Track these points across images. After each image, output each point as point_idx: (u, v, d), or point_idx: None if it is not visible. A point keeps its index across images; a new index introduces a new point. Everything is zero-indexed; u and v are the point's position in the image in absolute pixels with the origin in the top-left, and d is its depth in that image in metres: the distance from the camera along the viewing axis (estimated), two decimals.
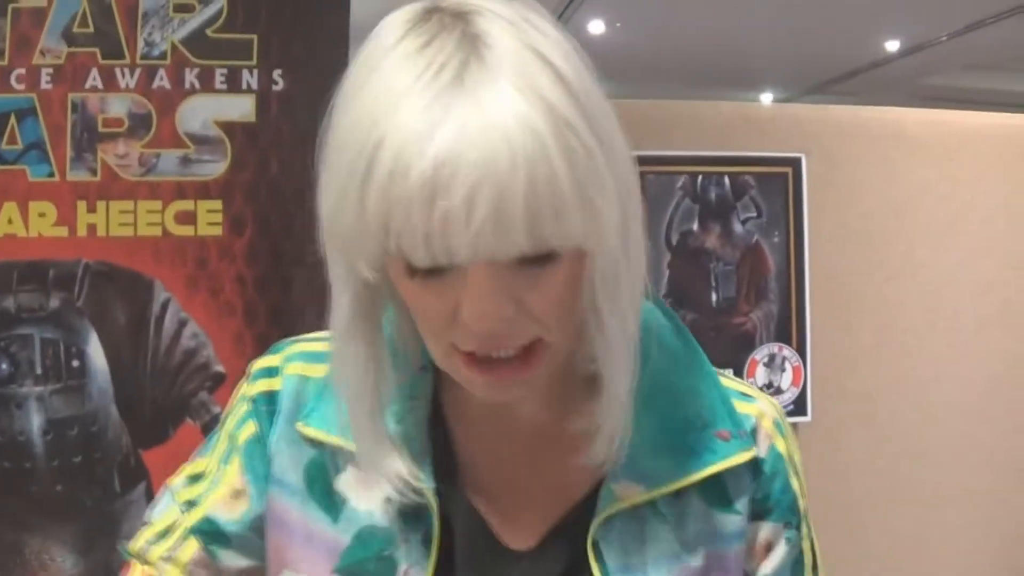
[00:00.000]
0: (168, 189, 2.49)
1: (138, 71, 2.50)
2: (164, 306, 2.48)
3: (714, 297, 2.67)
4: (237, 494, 1.15)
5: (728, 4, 7.63)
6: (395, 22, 0.95)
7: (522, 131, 0.86)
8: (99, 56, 2.49)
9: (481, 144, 0.85)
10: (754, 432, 1.13)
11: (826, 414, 2.68)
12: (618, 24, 8.78)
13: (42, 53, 2.48)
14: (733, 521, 1.10)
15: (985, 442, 2.78)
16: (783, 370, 2.65)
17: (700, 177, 2.65)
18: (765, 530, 1.13)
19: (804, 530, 1.17)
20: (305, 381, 1.14)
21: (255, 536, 1.15)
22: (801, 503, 1.16)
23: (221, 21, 2.52)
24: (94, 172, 2.49)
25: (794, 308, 2.68)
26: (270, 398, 1.15)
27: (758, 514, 1.12)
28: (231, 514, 1.15)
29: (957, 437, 2.77)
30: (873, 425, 2.71)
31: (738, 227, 2.67)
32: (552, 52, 0.92)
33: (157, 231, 2.49)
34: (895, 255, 2.75)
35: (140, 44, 2.51)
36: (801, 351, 2.66)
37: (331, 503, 1.10)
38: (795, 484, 1.15)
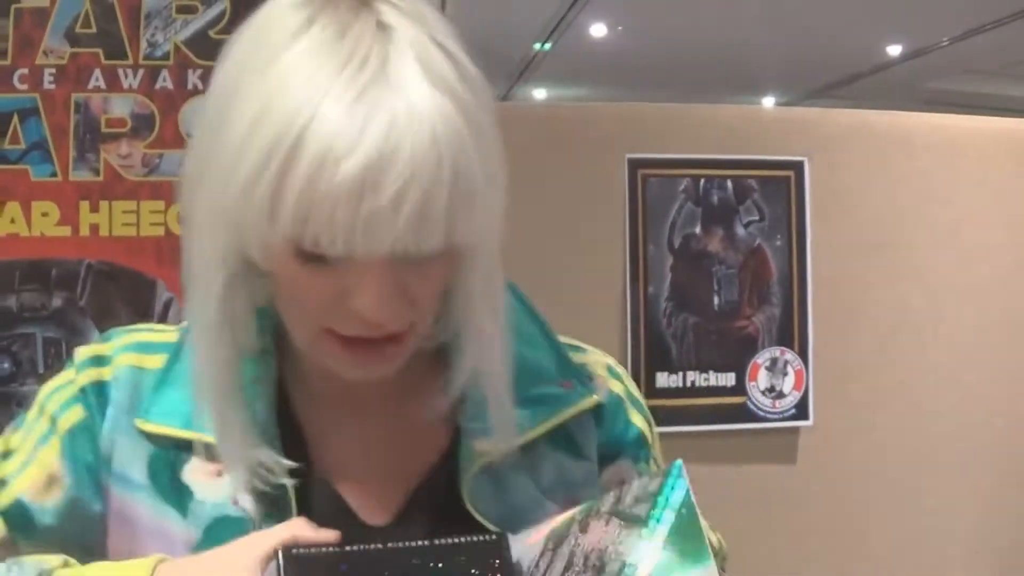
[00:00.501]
0: (171, 189, 2.49)
1: (141, 72, 2.51)
2: (167, 306, 2.48)
3: (716, 300, 2.66)
4: (51, 480, 1.10)
5: (729, 8, 7.64)
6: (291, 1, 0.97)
7: (446, 128, 0.90)
8: (102, 56, 2.50)
9: (410, 143, 0.88)
10: (590, 379, 1.20)
11: (828, 418, 2.67)
12: (620, 28, 8.79)
13: (45, 53, 2.48)
14: (583, 467, 1.16)
15: (987, 448, 2.78)
16: (785, 374, 2.65)
17: (703, 180, 2.65)
18: (618, 470, 1.20)
19: (654, 455, 1.24)
20: (141, 372, 1.12)
21: (67, 527, 1.11)
22: (647, 434, 1.23)
23: (224, 22, 2.52)
24: (97, 172, 2.49)
25: (796, 312, 2.67)
26: (100, 388, 1.12)
27: (608, 457, 1.19)
28: (43, 501, 1.10)
29: (959, 442, 2.76)
30: (875, 430, 2.71)
31: (741, 231, 2.67)
32: (450, 44, 0.96)
33: (160, 231, 2.49)
34: (897, 259, 2.75)
35: (143, 45, 2.51)
36: (803, 355, 2.66)
37: (178, 497, 1.08)
38: (637, 419, 1.22)
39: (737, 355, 2.66)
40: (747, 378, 2.66)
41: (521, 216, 2.44)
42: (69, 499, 1.11)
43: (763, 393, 2.64)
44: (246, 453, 1.05)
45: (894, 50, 9.16)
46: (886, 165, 2.77)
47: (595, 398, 1.18)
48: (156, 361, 1.13)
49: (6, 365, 2.42)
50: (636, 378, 2.56)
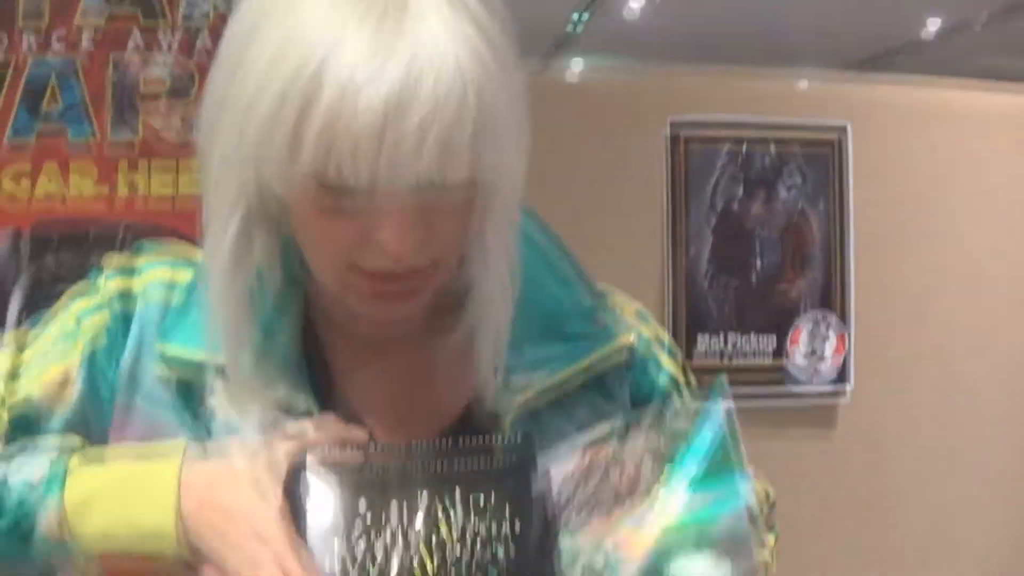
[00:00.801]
0: None
1: (179, 33, 2.49)
2: None
3: (758, 264, 2.65)
4: (65, 383, 1.08)
5: None
6: None
7: (469, 56, 0.89)
8: (140, 18, 2.48)
9: (434, 71, 0.87)
10: (622, 320, 1.18)
11: (868, 382, 2.66)
12: (657, 1, 8.72)
13: (83, 15, 2.47)
14: (616, 409, 1.13)
15: None
16: (827, 338, 2.63)
17: (744, 145, 2.63)
18: (653, 410, 1.17)
19: (686, 391, 1.22)
20: (172, 288, 1.10)
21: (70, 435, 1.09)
22: (680, 377, 1.20)
23: None
24: (135, 133, 2.48)
25: (838, 276, 2.65)
26: (127, 300, 1.09)
27: (640, 402, 1.16)
28: (53, 404, 1.08)
29: (998, 408, 2.74)
30: (914, 393, 2.69)
31: (783, 194, 2.66)
32: None
33: (199, 190, 2.48)
34: (937, 226, 2.72)
35: (182, 6, 2.50)
36: (844, 319, 2.64)
37: (204, 417, 1.06)
38: (668, 363, 1.20)
39: (779, 319, 2.65)
40: (788, 342, 2.64)
41: (562, 182, 2.44)
42: (79, 407, 1.09)
43: (804, 357, 2.63)
44: (264, 390, 1.04)
45: (933, 24, 9.06)
46: (925, 135, 2.75)
47: (630, 336, 1.16)
48: (186, 276, 1.11)
49: None
50: (676, 340, 2.54)
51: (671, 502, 0.97)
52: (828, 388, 2.63)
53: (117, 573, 1.05)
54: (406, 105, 0.86)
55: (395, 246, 0.94)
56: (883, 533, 2.66)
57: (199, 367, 1.07)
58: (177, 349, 1.07)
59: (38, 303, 1.14)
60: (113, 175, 2.47)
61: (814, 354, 2.62)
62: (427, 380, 1.12)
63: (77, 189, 2.47)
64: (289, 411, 1.04)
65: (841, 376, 2.64)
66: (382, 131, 0.86)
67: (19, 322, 1.16)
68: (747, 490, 0.94)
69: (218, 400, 1.07)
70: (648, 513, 0.97)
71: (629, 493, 1.00)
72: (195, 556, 1.00)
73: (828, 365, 2.63)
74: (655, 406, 1.04)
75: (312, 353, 1.09)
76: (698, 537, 0.94)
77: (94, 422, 1.09)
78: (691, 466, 0.97)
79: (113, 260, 1.12)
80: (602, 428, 1.06)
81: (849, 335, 2.63)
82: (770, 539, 1.17)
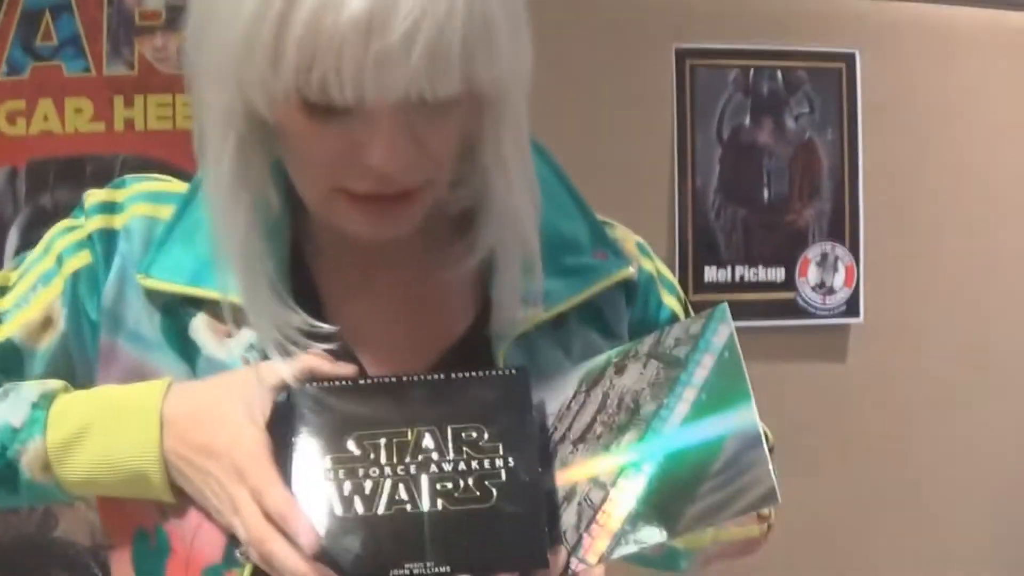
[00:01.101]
0: None
1: None
2: None
3: (766, 193, 2.61)
4: (47, 323, 1.06)
5: None
6: None
7: None
8: None
9: None
10: (622, 253, 1.15)
11: (878, 316, 2.62)
12: None
13: None
14: (613, 346, 1.09)
15: None
16: (835, 270, 2.60)
17: (752, 71, 2.59)
18: (651, 339, 1.14)
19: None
20: (154, 223, 1.07)
21: (53, 376, 1.06)
22: (681, 314, 1.18)
23: None
24: (131, 66, 2.45)
25: (847, 207, 2.61)
26: (108, 237, 1.06)
27: (640, 335, 1.12)
28: (35, 345, 1.06)
29: (1010, 341, 2.71)
30: (925, 328, 2.66)
31: (791, 123, 2.61)
32: None
33: None
34: (951, 155, 2.68)
35: None
36: (854, 251, 2.61)
37: (188, 354, 1.04)
38: (669, 300, 1.18)
39: (787, 249, 2.61)
40: (797, 273, 2.60)
41: (566, 108, 2.40)
42: (61, 346, 1.07)
43: (813, 289, 2.59)
44: (275, 315, 1.01)
45: None
46: (939, 59, 2.70)
47: (630, 270, 1.13)
48: (167, 212, 1.08)
49: None
50: (684, 272, 2.55)
51: (672, 431, 0.94)
52: (838, 321, 2.59)
53: (111, 501, 1.04)
54: (390, 11, 0.82)
55: (383, 167, 0.91)
56: (893, 465, 2.64)
57: (183, 301, 1.04)
58: (159, 283, 1.04)
59: (35, 241, 1.12)
60: (109, 110, 2.44)
61: (823, 286, 2.59)
62: (421, 310, 1.10)
63: (73, 125, 2.44)
64: (276, 344, 1.01)
65: (851, 308, 2.60)
66: (366, 40, 0.83)
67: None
68: (755, 414, 0.90)
69: (202, 335, 1.04)
70: (648, 444, 0.95)
71: (628, 425, 0.97)
72: (179, 498, 0.99)
73: (837, 297, 2.59)
74: (654, 335, 1.00)
75: (301, 284, 1.06)
76: (704, 465, 0.91)
77: (78, 363, 1.07)
78: (693, 393, 0.94)
79: (94, 196, 1.09)
80: (599, 359, 1.03)
81: (859, 266, 2.59)
82: None
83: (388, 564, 0.91)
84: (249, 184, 0.98)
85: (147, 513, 1.03)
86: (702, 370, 0.94)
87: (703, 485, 0.90)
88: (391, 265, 1.09)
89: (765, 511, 1.21)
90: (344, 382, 0.99)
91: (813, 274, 2.61)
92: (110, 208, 1.08)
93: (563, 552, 0.94)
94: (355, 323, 1.07)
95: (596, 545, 0.93)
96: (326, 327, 1.02)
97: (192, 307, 1.05)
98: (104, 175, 2.40)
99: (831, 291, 2.60)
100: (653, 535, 0.91)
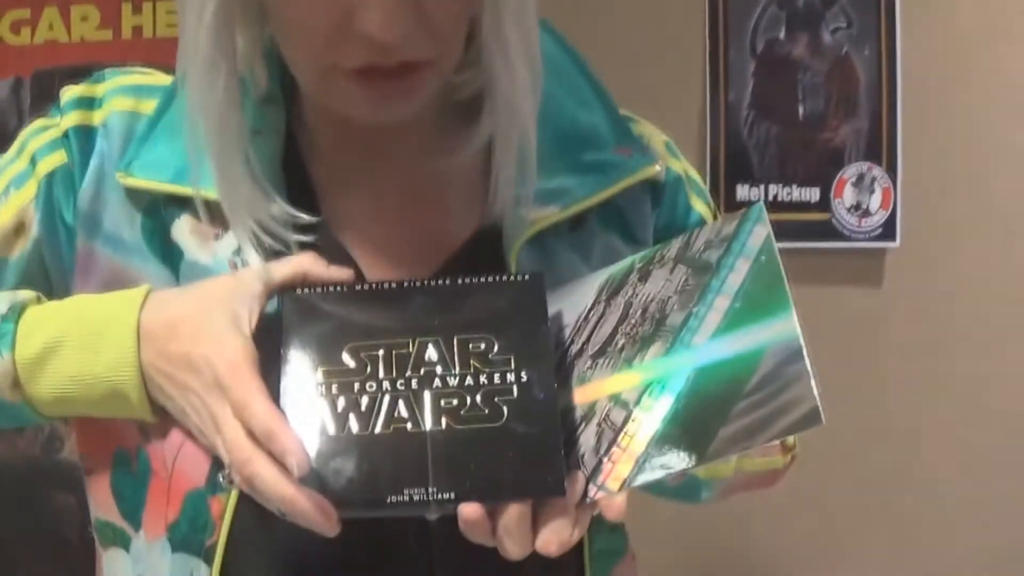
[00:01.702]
0: None
1: None
2: None
3: (801, 110, 2.52)
4: (19, 229, 0.99)
5: None
6: None
7: None
8: None
9: None
10: (648, 150, 1.08)
11: (915, 240, 2.53)
12: None
13: None
14: (637, 252, 1.01)
15: None
16: (872, 191, 2.50)
17: None
18: (679, 242, 1.07)
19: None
20: (135, 118, 1.00)
21: (25, 286, 0.99)
22: (709, 220, 1.11)
23: None
24: None
25: (885, 126, 2.51)
26: (85, 134, 0.99)
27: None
28: (6, 253, 0.99)
29: None
30: (964, 253, 2.56)
31: (827, 37, 2.51)
32: None
33: None
34: (993, 72, 2.57)
35: None
36: (892, 172, 2.51)
37: (171, 258, 0.97)
38: (698, 204, 1.11)
39: (822, 168, 2.52)
40: (832, 194, 2.52)
41: (595, 19, 2.33)
42: (35, 254, 1.00)
43: (848, 211, 2.51)
44: (253, 205, 0.93)
45: None
46: None
47: (656, 168, 1.05)
48: (150, 106, 1.00)
49: None
50: (715, 189, 2.49)
51: (703, 344, 0.84)
52: (874, 245, 2.51)
53: (89, 421, 0.96)
54: None
55: (380, 33, 0.83)
56: (927, 394, 2.56)
57: (166, 201, 0.97)
58: (141, 181, 0.97)
59: None
60: (117, 17, 2.39)
61: (859, 208, 2.50)
62: (425, 209, 1.02)
63: (79, 33, 2.39)
64: (265, 245, 0.93)
65: (888, 232, 2.51)
66: None
67: None
68: (797, 324, 0.80)
69: (186, 238, 0.97)
70: (676, 358, 0.85)
71: (653, 336, 0.87)
72: (159, 416, 0.91)
73: (873, 220, 2.50)
74: (682, 238, 0.92)
75: (294, 178, 0.99)
76: (738, 382, 0.81)
77: (53, 272, 1.00)
78: (726, 301, 0.85)
79: (71, 91, 1.02)
80: (621, 265, 0.94)
81: (896, 188, 2.50)
82: None
83: (386, 489, 0.82)
84: (229, 56, 0.90)
85: (127, 434, 0.96)
86: (736, 276, 0.85)
87: (737, 404, 0.81)
88: (393, 158, 1.01)
89: (790, 440, 1.13)
90: (339, 288, 0.90)
91: (849, 195, 2.51)
92: (88, 103, 1.00)
93: (581, 478, 0.85)
94: (353, 219, 1.00)
95: (617, 470, 0.84)
96: (307, 217, 0.94)
97: (176, 207, 0.97)
98: None
99: (867, 213, 2.51)
100: (681, 460, 0.82)
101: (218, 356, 0.85)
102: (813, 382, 0.78)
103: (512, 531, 0.82)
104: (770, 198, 2.50)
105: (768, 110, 2.51)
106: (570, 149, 1.02)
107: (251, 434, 0.82)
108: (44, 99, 2.34)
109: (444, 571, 0.95)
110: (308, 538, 0.82)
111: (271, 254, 0.93)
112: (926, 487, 2.55)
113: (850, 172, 2.53)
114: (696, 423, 0.82)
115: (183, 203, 0.97)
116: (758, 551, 2.63)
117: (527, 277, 0.92)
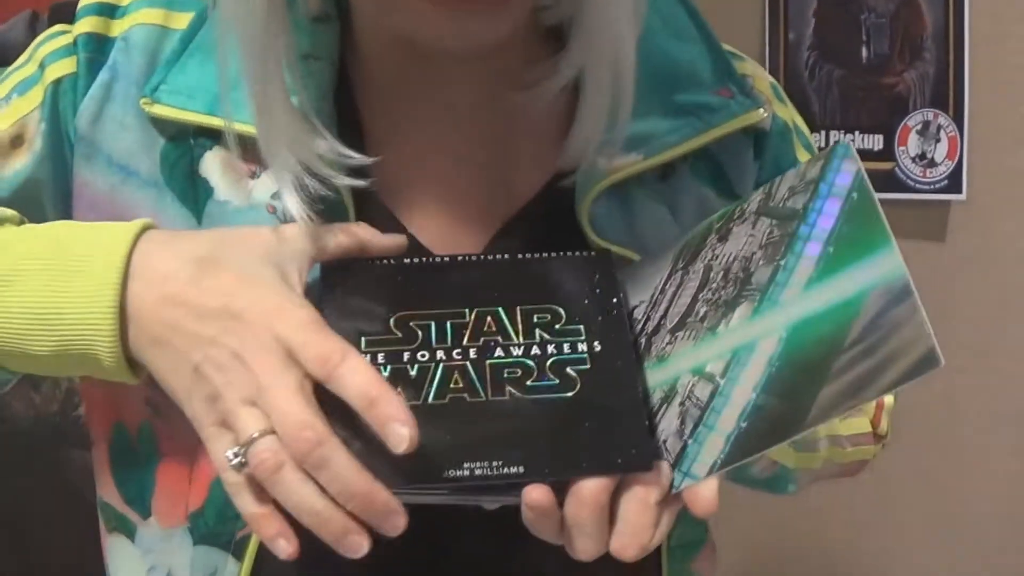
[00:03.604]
0: None
1: None
2: None
3: (864, 53, 2.41)
4: (17, 141, 0.87)
5: None
6: None
7: None
8: None
9: None
10: (753, 92, 0.95)
11: (982, 192, 2.42)
12: None
13: None
14: None
15: None
16: (938, 140, 2.39)
17: None
18: (760, 192, 0.95)
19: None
20: (165, 35, 0.87)
21: (18, 206, 0.87)
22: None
23: None
24: None
25: (952, 72, 2.40)
26: (98, 44, 0.87)
27: None
28: (1, 167, 0.87)
29: None
30: None
31: None
32: None
33: None
34: None
35: None
36: (958, 120, 2.39)
37: (194, 196, 0.85)
38: (804, 158, 1.00)
39: (886, 114, 2.42)
40: (896, 142, 2.41)
41: None
42: (33, 172, 0.87)
43: (913, 160, 2.39)
44: (296, 141, 0.80)
45: None
46: None
47: (761, 112, 0.93)
48: (183, 20, 0.88)
49: None
50: None
51: (795, 297, 0.75)
52: (938, 197, 2.39)
53: (92, 384, 0.85)
54: None
55: None
56: (991, 346, 2.45)
57: (195, 129, 0.85)
58: (169, 110, 0.84)
59: None
60: None
61: (924, 158, 2.39)
62: (491, 157, 0.89)
63: None
64: (310, 189, 0.80)
65: (954, 183, 2.40)
66: None
67: None
68: (901, 259, 0.71)
69: (216, 174, 0.85)
70: (765, 317, 0.75)
71: (737, 298, 0.78)
72: (140, 378, 0.77)
73: (939, 171, 2.38)
74: (762, 189, 0.81)
75: (343, 116, 0.86)
76: (839, 333, 0.71)
77: (52, 196, 0.88)
78: (817, 247, 0.75)
79: None
80: (697, 229, 0.84)
81: (962, 138, 2.38)
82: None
83: (442, 463, 0.71)
84: None
85: (132, 406, 0.84)
86: (826, 219, 0.76)
87: (840, 358, 0.71)
88: (461, 96, 0.88)
89: (883, 426, 1.01)
90: (388, 260, 0.81)
91: (913, 144, 2.40)
92: (109, 11, 0.88)
93: (665, 466, 0.74)
94: (407, 167, 0.88)
95: (704, 454, 0.74)
96: (360, 157, 0.82)
97: (207, 138, 0.85)
98: None
99: (932, 163, 2.39)
100: (778, 432, 0.71)
101: (278, 310, 0.71)
102: (926, 320, 0.68)
103: (585, 523, 0.71)
104: (831, 145, 2.38)
105: (830, 52, 2.42)
106: (661, 88, 0.90)
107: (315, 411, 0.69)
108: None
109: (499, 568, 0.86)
110: None
111: (315, 200, 0.80)
112: (984, 443, 2.46)
113: (915, 119, 2.42)
114: (794, 388, 0.72)
115: (216, 135, 0.85)
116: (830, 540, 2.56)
117: (594, 254, 0.84)
